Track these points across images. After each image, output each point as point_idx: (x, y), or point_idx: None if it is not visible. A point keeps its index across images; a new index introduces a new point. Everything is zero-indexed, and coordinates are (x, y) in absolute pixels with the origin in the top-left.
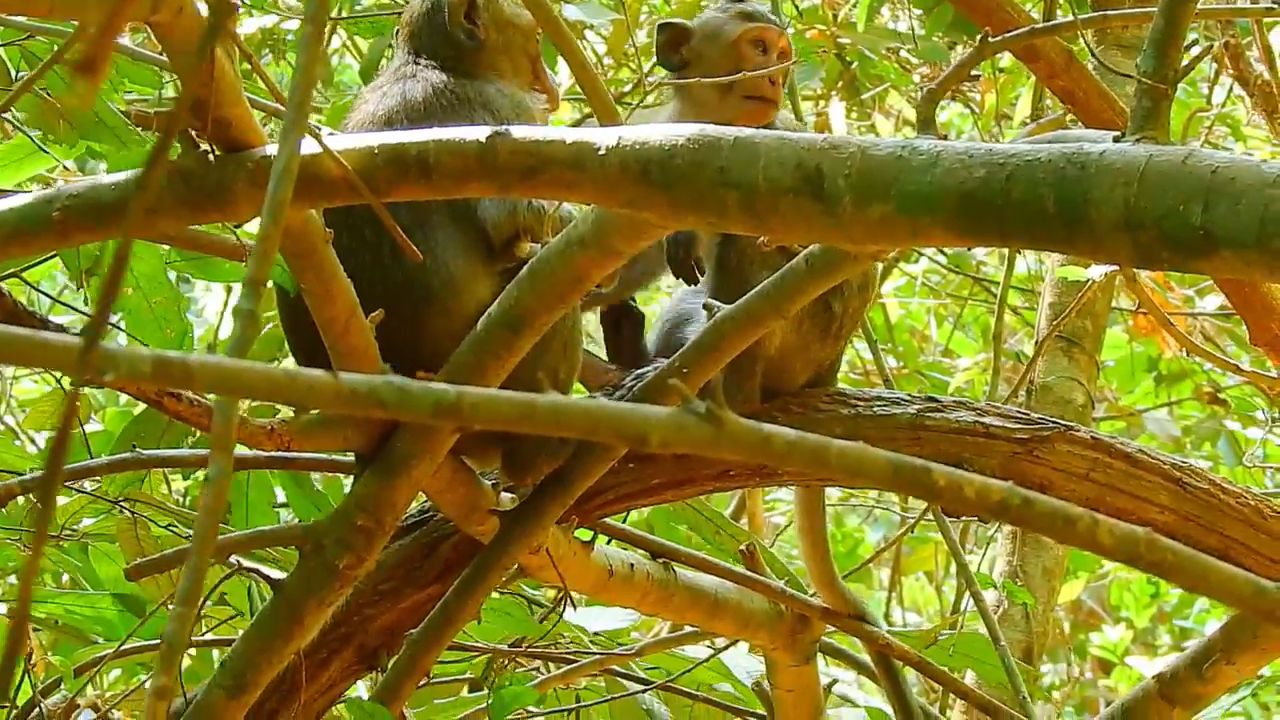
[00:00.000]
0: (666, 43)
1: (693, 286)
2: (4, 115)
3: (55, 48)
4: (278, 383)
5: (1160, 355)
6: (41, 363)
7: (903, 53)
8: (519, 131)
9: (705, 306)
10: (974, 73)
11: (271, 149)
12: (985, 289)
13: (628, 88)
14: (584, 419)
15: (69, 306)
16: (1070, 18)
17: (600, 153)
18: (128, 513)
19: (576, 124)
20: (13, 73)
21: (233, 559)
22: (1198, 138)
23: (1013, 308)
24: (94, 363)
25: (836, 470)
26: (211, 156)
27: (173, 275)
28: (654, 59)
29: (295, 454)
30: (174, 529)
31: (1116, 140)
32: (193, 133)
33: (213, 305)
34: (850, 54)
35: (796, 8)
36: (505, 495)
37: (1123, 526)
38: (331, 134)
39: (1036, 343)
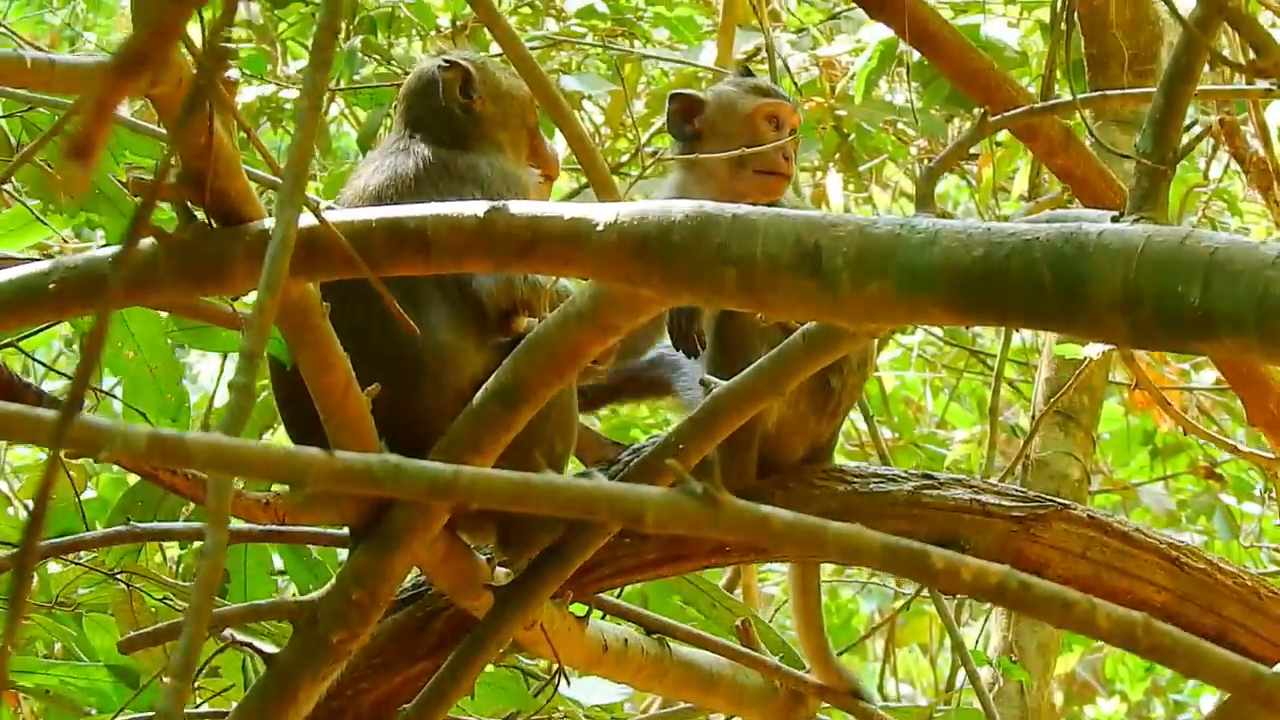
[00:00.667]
0: (678, 113)
1: (693, 359)
2: (3, 185)
3: (56, 118)
4: (275, 461)
5: (1156, 429)
6: (28, 438)
7: (900, 125)
8: (517, 207)
9: (702, 383)
10: (972, 150)
11: (269, 222)
12: (981, 361)
13: (625, 158)
14: (580, 499)
15: (64, 375)
16: (1069, 97)
17: (598, 228)
18: (123, 584)
19: (574, 195)
20: (13, 143)
21: (226, 633)
22: (1195, 212)
23: (1009, 381)
24: (90, 439)
25: (833, 552)
26: (209, 229)
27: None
28: (651, 130)
29: (291, 527)
30: (169, 601)
31: (1115, 220)
32: (190, 205)
33: (208, 370)
34: (848, 126)
35: (794, 81)
36: (500, 570)
37: (1120, 611)
38: (330, 207)
39: (1033, 418)
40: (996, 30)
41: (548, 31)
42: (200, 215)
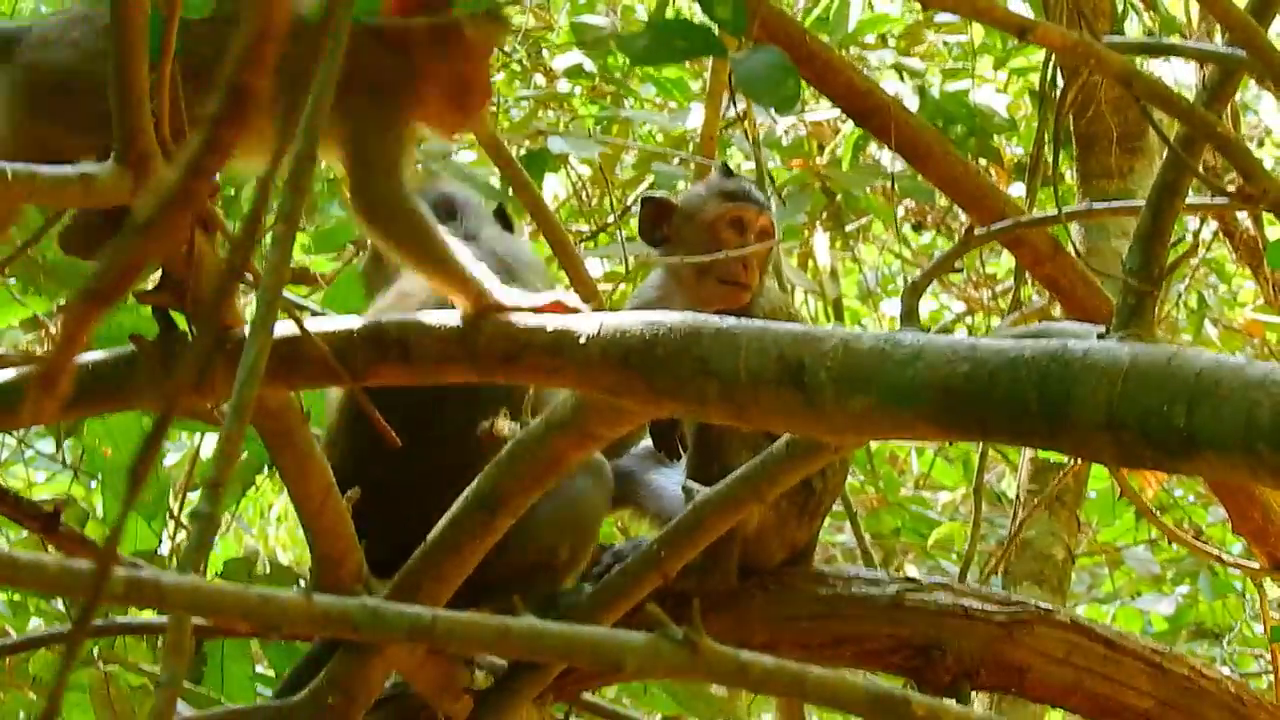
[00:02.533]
0: (648, 217)
1: (674, 462)
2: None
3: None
4: (252, 605)
5: (1142, 490)
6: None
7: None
8: (500, 317)
9: (684, 489)
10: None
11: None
12: None
13: (611, 219)
14: (560, 643)
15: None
16: (1055, 211)
17: (581, 340)
18: (100, 669)
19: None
20: None
21: None
22: (1182, 280)
23: (995, 447)
24: (69, 584)
25: (813, 698)
26: (189, 336)
27: None
28: (637, 191)
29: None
30: (146, 689)
31: (1101, 337)
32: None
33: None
34: (835, 186)
35: (779, 143)
36: (479, 673)
37: None
38: (316, 314)
39: (1017, 497)
40: (985, 97)
41: (536, 89)
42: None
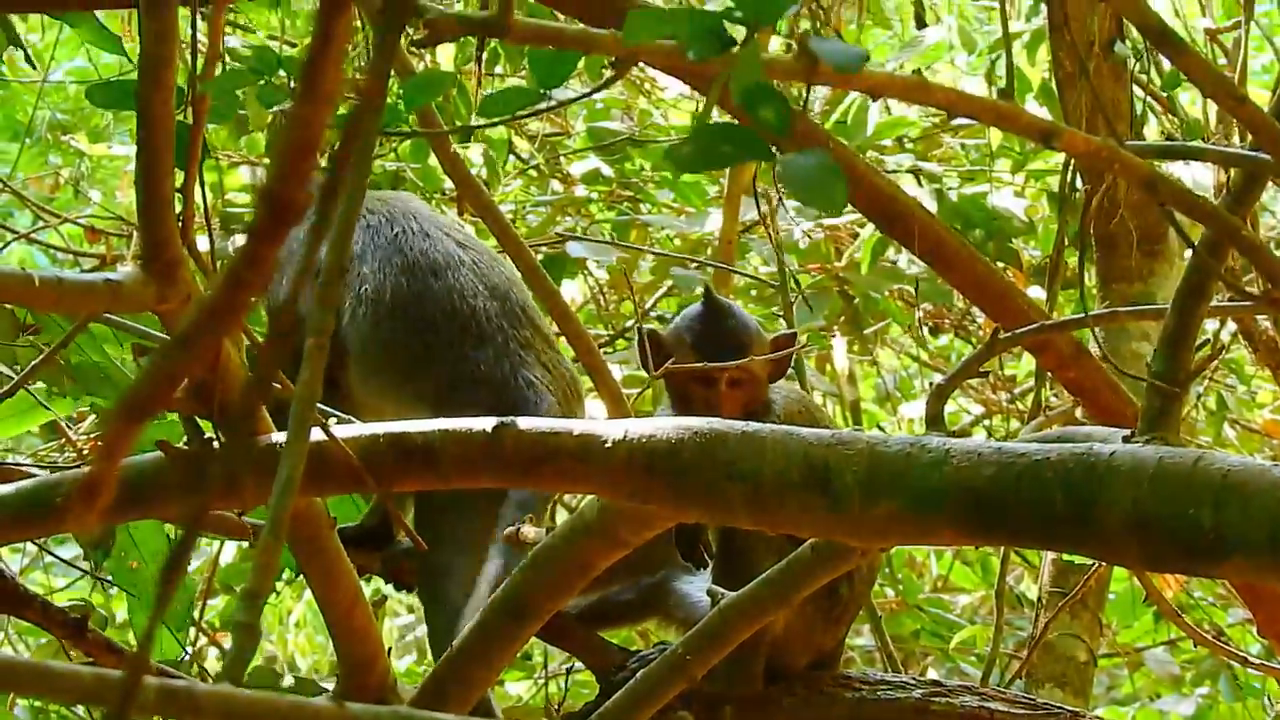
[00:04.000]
0: (642, 349)
1: (700, 571)
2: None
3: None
4: (283, 712)
5: (1163, 589)
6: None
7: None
8: (525, 423)
9: (709, 593)
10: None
11: (278, 437)
12: None
13: (629, 324)
14: None
15: (73, 566)
16: (1081, 314)
17: (606, 445)
18: None
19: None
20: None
21: None
22: (1202, 381)
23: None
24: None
25: None
26: (216, 443)
27: None
28: (656, 295)
29: None
30: None
31: (1126, 440)
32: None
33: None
34: (854, 290)
35: (797, 246)
36: None
37: None
38: (340, 422)
39: (1039, 600)
40: (1004, 200)
41: (553, 194)
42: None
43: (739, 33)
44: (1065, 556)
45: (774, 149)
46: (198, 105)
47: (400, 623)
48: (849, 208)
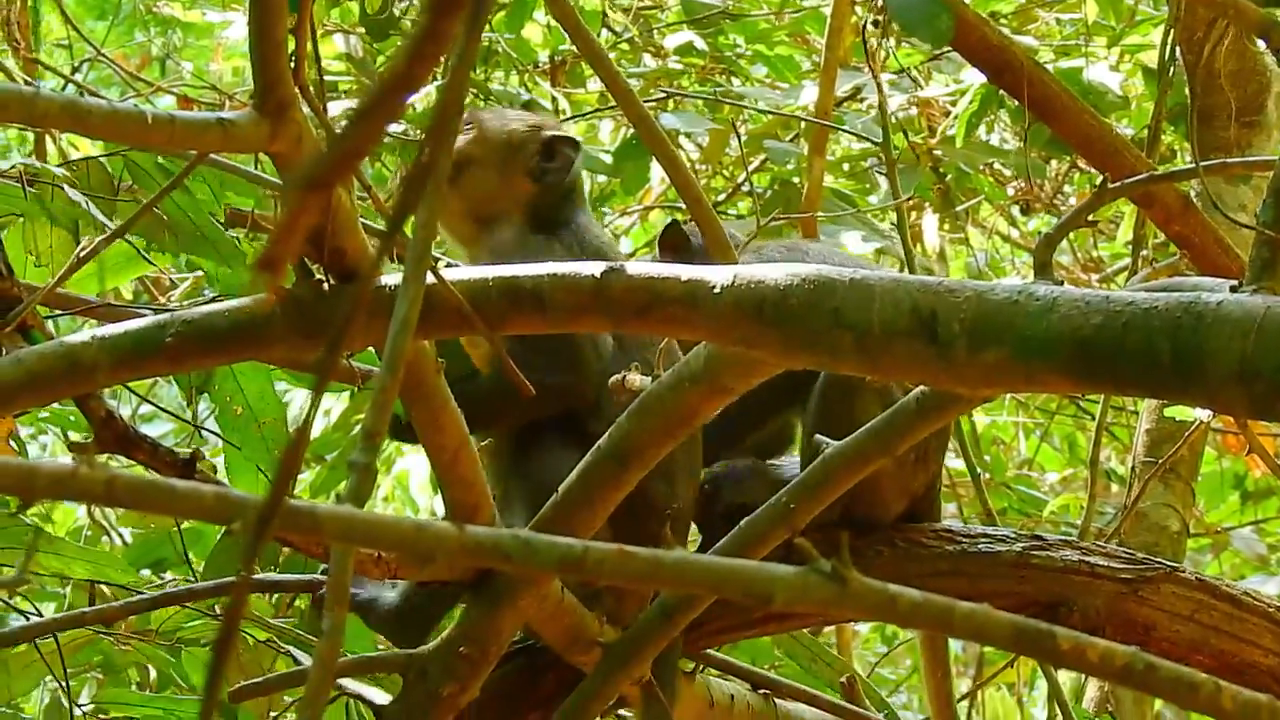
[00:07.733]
0: (669, 245)
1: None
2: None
3: (158, 159)
4: (405, 534)
5: (1248, 473)
6: (178, 512)
7: (997, 165)
8: (633, 267)
9: (814, 443)
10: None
11: (387, 279)
12: (1074, 404)
13: (722, 197)
14: (709, 577)
15: (173, 415)
16: (1190, 164)
17: (715, 291)
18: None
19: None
20: (115, 181)
21: (340, 682)
22: None
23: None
24: (223, 511)
25: (960, 632)
26: (325, 286)
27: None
28: (749, 168)
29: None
30: (272, 644)
31: (1233, 290)
32: (306, 261)
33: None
34: (946, 167)
35: (895, 117)
36: (609, 626)
37: (1246, 694)
38: (449, 265)
39: (1132, 469)
40: (1099, 74)
41: (645, 68)
42: (317, 271)
43: None
44: (1159, 424)
45: None
46: None
47: None
48: (948, 74)
